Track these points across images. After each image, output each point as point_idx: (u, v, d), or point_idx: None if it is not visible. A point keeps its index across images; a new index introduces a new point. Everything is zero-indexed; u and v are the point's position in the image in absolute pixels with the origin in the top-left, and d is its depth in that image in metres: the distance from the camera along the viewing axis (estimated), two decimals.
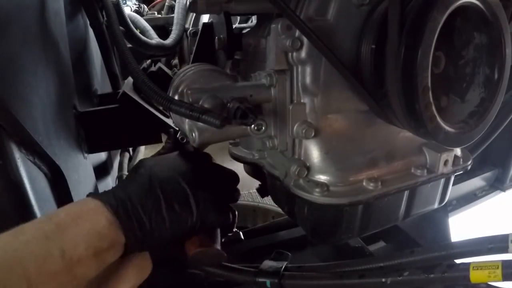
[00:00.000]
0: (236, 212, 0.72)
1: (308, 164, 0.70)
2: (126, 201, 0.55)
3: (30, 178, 0.66)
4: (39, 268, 0.45)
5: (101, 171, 1.26)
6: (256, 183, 0.92)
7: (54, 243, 0.47)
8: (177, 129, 0.80)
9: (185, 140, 0.75)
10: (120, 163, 1.57)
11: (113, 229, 0.52)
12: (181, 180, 0.61)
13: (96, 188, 1.09)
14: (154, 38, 1.36)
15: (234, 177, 0.72)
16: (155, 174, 0.61)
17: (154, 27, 1.47)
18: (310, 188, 0.67)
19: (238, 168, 0.76)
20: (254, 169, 0.86)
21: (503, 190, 1.60)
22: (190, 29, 1.35)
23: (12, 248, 0.46)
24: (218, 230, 0.69)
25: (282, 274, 0.71)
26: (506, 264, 0.51)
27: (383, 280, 0.63)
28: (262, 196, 0.91)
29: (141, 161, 0.66)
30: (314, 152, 0.69)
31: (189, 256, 0.64)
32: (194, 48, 0.91)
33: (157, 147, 0.95)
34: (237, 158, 0.86)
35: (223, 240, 0.70)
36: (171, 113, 0.74)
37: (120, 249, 0.54)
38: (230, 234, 0.78)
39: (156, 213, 0.57)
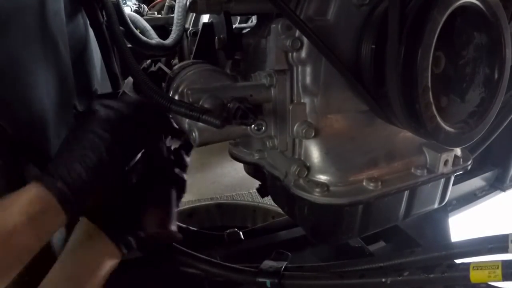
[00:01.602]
0: (185, 175, 0.71)
1: (308, 164, 0.70)
2: (52, 162, 0.58)
3: (30, 178, 0.66)
4: None
5: None
6: (256, 183, 0.92)
7: None
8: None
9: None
10: None
11: (41, 191, 0.54)
12: (97, 131, 0.61)
13: None
14: (154, 38, 1.36)
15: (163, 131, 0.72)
16: (76, 127, 0.64)
17: (154, 27, 1.47)
18: (310, 188, 0.67)
19: (238, 168, 0.76)
20: (254, 169, 0.86)
21: (503, 190, 1.60)
22: (190, 29, 1.35)
23: None
24: (175, 209, 0.69)
25: (282, 274, 0.71)
26: (506, 264, 0.51)
27: (383, 280, 0.63)
28: (262, 196, 0.91)
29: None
30: (314, 152, 0.69)
31: (147, 234, 0.66)
32: (194, 48, 0.91)
33: None
34: (237, 158, 0.86)
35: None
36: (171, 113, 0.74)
37: (58, 212, 0.55)
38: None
39: (71, 163, 0.58)
